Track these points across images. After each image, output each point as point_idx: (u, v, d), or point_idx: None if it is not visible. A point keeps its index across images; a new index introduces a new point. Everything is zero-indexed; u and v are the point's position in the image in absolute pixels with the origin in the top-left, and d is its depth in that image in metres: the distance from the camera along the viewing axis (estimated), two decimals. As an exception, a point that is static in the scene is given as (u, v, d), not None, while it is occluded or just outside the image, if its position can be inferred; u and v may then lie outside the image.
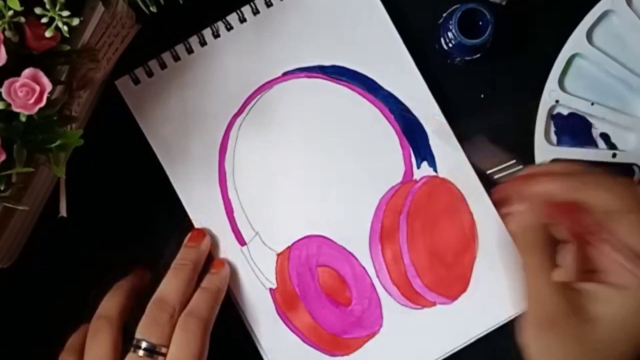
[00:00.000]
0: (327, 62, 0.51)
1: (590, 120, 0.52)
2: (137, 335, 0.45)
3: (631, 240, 0.39)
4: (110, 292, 0.48)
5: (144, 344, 0.45)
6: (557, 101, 0.51)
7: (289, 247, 0.51)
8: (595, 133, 0.52)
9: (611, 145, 0.52)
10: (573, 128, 0.52)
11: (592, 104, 0.51)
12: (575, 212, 0.40)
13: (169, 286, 0.47)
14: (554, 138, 0.52)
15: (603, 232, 0.39)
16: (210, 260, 0.50)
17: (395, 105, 0.51)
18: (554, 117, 0.52)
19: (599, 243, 0.40)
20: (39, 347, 0.50)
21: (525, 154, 0.51)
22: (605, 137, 0.52)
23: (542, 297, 0.40)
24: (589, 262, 0.41)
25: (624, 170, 0.52)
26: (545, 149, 0.51)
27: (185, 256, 0.49)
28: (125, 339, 0.46)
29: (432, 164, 0.51)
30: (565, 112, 0.52)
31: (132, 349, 0.45)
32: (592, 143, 0.52)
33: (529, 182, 0.42)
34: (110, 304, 0.47)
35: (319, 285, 0.50)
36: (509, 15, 0.51)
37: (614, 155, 0.51)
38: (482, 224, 0.50)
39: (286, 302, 0.50)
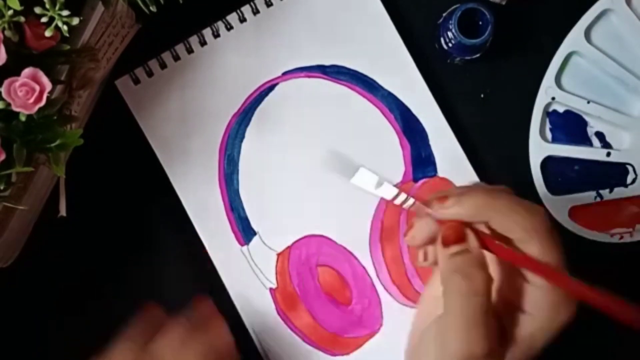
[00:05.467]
0: (327, 62, 0.51)
1: (586, 118, 0.52)
2: None
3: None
4: (118, 348, 0.43)
5: None
6: (553, 98, 0.51)
7: (289, 247, 0.51)
8: (590, 131, 0.52)
9: (605, 144, 0.52)
10: (568, 125, 0.52)
11: (588, 102, 0.51)
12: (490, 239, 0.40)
13: None
14: (548, 135, 0.52)
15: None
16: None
17: (395, 105, 0.51)
18: (550, 114, 0.52)
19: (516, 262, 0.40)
20: (39, 348, 0.50)
21: (521, 151, 0.51)
22: (600, 135, 0.52)
23: (473, 335, 0.38)
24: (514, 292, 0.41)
25: (617, 169, 0.52)
26: (539, 146, 0.51)
27: None
28: None
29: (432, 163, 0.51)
30: (561, 109, 0.52)
31: None
32: (587, 141, 0.52)
33: (442, 204, 0.40)
34: None
35: (319, 285, 0.50)
36: (508, 15, 0.51)
37: (608, 154, 0.52)
38: (482, 223, 0.50)
39: (286, 301, 0.50)
